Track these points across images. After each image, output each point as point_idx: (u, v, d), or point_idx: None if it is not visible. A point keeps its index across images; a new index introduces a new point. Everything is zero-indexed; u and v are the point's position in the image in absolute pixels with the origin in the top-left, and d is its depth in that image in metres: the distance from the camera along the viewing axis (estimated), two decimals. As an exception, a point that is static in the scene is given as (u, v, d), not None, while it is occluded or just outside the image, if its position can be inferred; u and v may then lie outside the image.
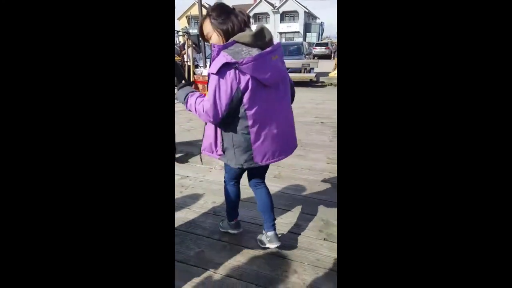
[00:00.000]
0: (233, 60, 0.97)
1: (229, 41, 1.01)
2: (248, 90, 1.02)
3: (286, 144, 1.23)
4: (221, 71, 0.98)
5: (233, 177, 1.41)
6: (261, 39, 1.03)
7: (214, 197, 2.04)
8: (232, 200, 1.49)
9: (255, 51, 1.00)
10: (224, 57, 0.98)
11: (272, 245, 1.44)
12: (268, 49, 1.03)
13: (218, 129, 1.17)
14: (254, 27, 1.07)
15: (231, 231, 1.59)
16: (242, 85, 1.01)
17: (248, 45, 1.01)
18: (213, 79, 1.00)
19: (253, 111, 1.07)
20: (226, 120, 1.09)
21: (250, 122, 1.09)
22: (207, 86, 1.05)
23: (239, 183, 1.46)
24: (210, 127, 1.20)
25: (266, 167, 1.37)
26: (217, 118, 1.05)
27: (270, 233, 1.43)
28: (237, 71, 0.99)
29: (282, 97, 1.15)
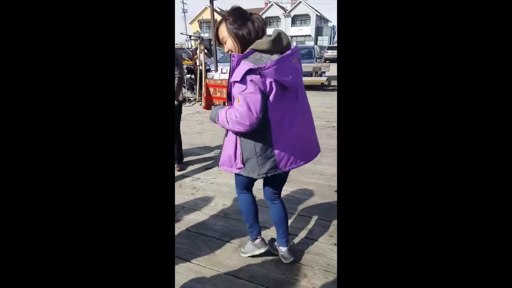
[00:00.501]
0: (256, 66, 0.97)
1: (248, 50, 1.02)
2: (272, 95, 1.03)
3: (307, 148, 1.21)
4: (245, 78, 0.99)
5: (244, 186, 1.35)
6: (280, 44, 1.03)
7: (225, 200, 2.07)
8: (251, 212, 1.40)
9: (275, 56, 1.01)
10: (246, 65, 0.98)
11: (286, 261, 1.42)
12: (288, 52, 1.03)
13: (238, 140, 1.15)
14: (269, 30, 1.07)
15: (257, 252, 1.45)
16: (267, 89, 1.02)
17: (267, 51, 1.01)
18: (239, 87, 1.00)
19: (275, 115, 1.07)
20: None
21: (272, 128, 1.09)
22: (229, 84, 1.06)
23: (251, 192, 1.40)
24: (230, 139, 1.17)
25: (285, 177, 1.32)
26: (254, 121, 1.01)
27: (284, 249, 1.41)
28: (261, 77, 0.99)
29: (301, 100, 1.15)
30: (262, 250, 1.44)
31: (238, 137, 1.15)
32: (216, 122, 1.14)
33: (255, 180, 1.31)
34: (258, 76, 0.99)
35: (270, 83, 1.01)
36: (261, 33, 1.06)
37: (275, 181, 1.30)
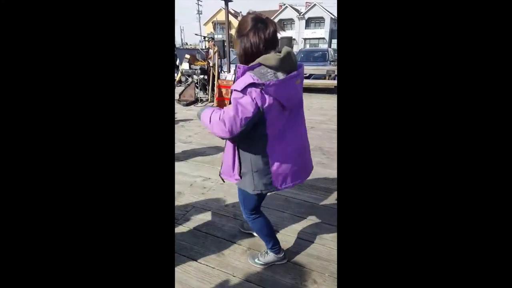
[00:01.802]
0: (260, 81, 0.96)
1: (254, 63, 1.00)
2: (270, 112, 1.01)
3: (303, 167, 1.21)
4: (246, 89, 0.97)
5: (251, 209, 1.31)
6: (287, 64, 1.01)
7: (234, 201, 2.06)
8: (269, 233, 1.37)
9: (280, 75, 1.00)
10: (250, 77, 0.97)
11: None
12: (294, 73, 1.02)
13: (236, 152, 1.15)
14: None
15: (279, 262, 1.46)
16: (265, 106, 0.99)
17: (272, 68, 0.99)
18: (237, 94, 0.99)
19: (272, 133, 1.06)
20: (245, 142, 1.09)
21: (269, 144, 1.08)
22: (231, 91, 1.04)
23: (261, 212, 1.36)
24: (229, 150, 1.16)
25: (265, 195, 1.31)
26: (234, 131, 1.01)
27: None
28: (262, 92, 0.97)
29: (298, 119, 1.15)
30: (285, 261, 1.47)
31: (236, 147, 1.14)
32: (198, 118, 1.14)
33: (263, 198, 1.29)
34: (259, 90, 0.97)
35: (270, 99, 0.98)
36: (267, 46, 1.02)
37: (258, 198, 1.26)
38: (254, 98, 0.97)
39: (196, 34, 9.11)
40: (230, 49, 6.42)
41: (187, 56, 6.55)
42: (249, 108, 0.97)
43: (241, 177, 1.17)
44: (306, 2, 34.28)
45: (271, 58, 0.98)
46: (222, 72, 6.08)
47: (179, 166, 2.69)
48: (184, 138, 3.58)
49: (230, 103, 1.04)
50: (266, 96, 0.98)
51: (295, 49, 21.65)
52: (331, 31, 32.87)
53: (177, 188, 2.26)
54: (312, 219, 1.83)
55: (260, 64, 1.00)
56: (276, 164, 1.12)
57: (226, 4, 5.66)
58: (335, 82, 7.20)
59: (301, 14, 33.52)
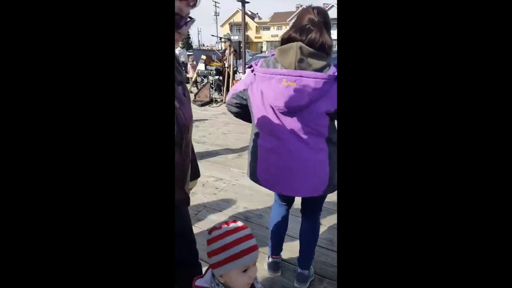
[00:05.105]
0: (255, 65, 1.05)
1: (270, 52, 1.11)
2: (253, 96, 1.04)
3: (286, 180, 1.07)
4: (247, 71, 1.09)
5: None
6: (285, 58, 0.94)
7: (246, 203, 2.03)
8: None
9: (279, 67, 0.97)
10: (255, 62, 1.06)
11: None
12: (282, 70, 0.93)
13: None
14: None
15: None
16: (251, 88, 1.05)
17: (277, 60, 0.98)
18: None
19: (259, 122, 1.06)
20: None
21: (255, 132, 1.10)
22: None
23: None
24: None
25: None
26: (227, 103, 1.15)
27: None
28: (254, 75, 1.04)
29: (294, 130, 1.00)
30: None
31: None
32: None
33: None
34: (253, 74, 1.03)
35: (257, 87, 1.01)
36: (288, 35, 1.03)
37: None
38: (245, 79, 1.07)
39: (212, 35, 9.20)
40: (246, 50, 6.43)
41: (203, 57, 6.62)
42: (238, 86, 1.10)
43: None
44: (324, 4, 33.97)
45: (277, 48, 1.02)
46: (238, 73, 6.09)
47: (192, 166, 2.70)
48: (198, 138, 3.60)
49: None
50: (255, 81, 1.02)
51: (311, 50, 21.36)
52: (349, 33, 32.43)
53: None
54: (327, 225, 1.78)
55: (273, 55, 1.04)
56: (260, 157, 1.11)
57: (243, 6, 5.67)
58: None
59: (318, 15, 33.22)
